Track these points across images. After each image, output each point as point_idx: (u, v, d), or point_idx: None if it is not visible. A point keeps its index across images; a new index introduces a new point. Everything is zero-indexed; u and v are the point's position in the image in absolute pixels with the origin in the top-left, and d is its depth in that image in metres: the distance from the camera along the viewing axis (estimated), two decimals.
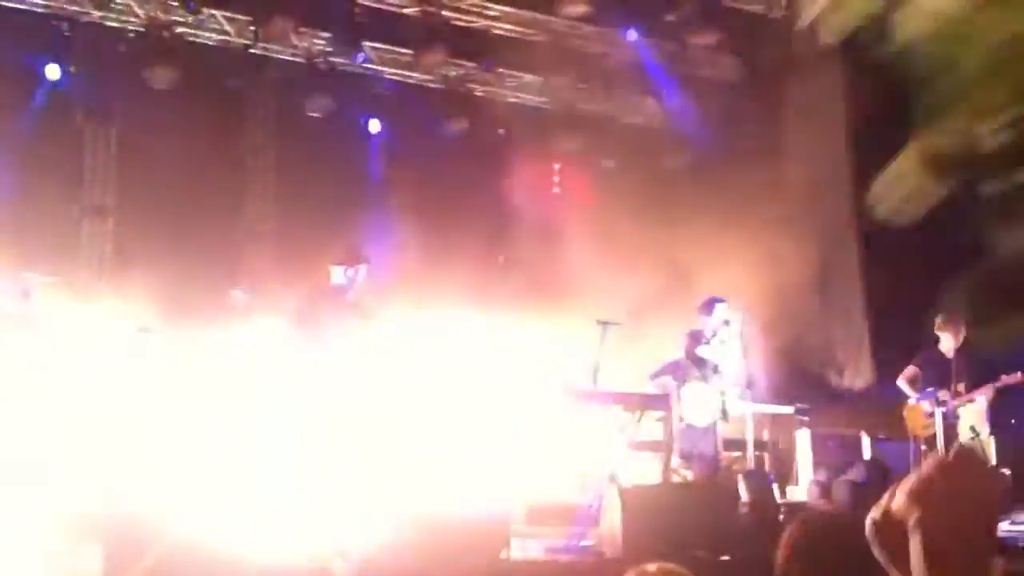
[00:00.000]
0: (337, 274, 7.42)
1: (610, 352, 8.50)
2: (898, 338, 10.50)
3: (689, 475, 8.90)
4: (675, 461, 8.92)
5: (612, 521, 7.16)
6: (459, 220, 12.49)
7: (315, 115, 12.69)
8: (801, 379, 10.29)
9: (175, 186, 11.55)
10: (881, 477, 8.39)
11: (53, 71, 11.05)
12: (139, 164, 11.52)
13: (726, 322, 9.18)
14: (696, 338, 9.29)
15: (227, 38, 11.92)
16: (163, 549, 3.75)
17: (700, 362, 9.23)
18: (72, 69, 11.16)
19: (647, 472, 9.11)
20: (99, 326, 11.10)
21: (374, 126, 13.09)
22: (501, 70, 12.91)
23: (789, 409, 9.51)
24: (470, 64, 12.77)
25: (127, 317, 10.92)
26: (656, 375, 9.89)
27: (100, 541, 5.69)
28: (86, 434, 8.20)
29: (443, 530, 6.40)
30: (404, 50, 12.51)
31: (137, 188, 11.63)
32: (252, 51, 12.00)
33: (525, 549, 7.26)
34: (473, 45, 12.60)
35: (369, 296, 7.61)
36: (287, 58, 12.27)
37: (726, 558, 6.81)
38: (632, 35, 12.61)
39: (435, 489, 7.46)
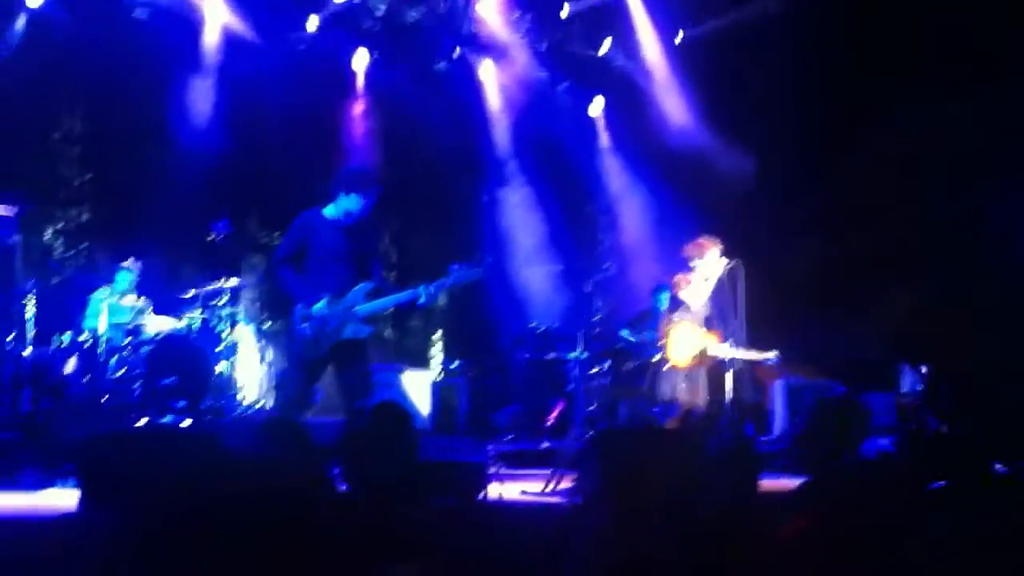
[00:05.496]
0: (352, 201, 6.97)
1: None
2: None
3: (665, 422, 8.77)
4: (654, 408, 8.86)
5: (590, 465, 7.13)
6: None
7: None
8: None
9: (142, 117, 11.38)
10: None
11: None
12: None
13: (710, 265, 8.91)
14: (679, 281, 9.06)
15: None
16: None
17: (680, 305, 9.02)
18: None
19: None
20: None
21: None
22: None
23: (770, 355, 9.18)
24: None
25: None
26: (632, 321, 9.83)
27: None
28: None
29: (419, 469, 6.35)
30: None
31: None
32: None
33: (502, 491, 7.24)
34: None
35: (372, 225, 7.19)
36: None
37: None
38: None
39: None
